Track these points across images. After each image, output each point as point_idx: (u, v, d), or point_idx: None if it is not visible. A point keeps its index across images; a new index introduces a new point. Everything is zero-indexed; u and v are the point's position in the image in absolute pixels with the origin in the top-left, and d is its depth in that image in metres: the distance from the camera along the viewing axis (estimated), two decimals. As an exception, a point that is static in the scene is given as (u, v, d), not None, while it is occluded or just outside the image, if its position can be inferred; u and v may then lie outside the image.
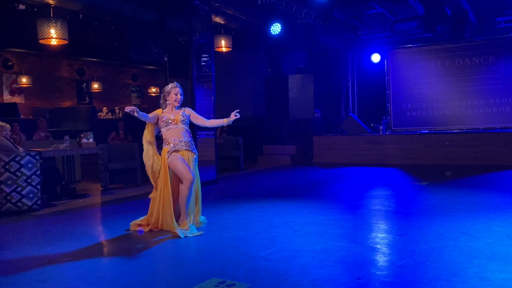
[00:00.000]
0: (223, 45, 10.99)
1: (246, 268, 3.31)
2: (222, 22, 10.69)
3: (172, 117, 4.62)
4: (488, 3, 10.65)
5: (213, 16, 9.43)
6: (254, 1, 9.15)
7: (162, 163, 4.58)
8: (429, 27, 10.45)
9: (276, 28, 10.79)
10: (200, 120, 4.80)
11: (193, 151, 4.67)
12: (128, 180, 8.13)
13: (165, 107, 4.71)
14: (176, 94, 4.65)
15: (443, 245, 3.77)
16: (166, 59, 8.37)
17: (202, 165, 7.85)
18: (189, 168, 4.52)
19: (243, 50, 13.00)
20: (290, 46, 12.43)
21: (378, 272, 3.19)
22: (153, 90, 17.48)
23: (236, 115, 4.57)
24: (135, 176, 8.11)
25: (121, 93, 16.76)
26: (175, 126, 4.60)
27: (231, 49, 11.31)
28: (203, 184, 7.63)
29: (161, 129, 4.66)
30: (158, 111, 4.72)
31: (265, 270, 3.25)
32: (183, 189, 4.47)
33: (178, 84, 4.74)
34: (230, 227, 4.64)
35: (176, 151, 4.56)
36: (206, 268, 3.37)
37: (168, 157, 4.52)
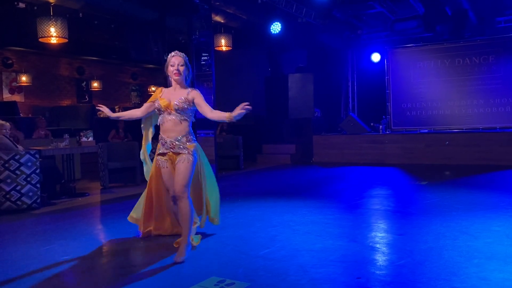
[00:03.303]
0: (223, 44, 10.99)
1: (246, 267, 3.31)
2: (222, 21, 10.68)
3: (166, 102, 3.66)
4: (488, 3, 10.63)
5: (213, 15, 9.42)
6: (254, 0, 9.14)
7: (153, 164, 3.96)
8: (429, 26, 10.45)
9: (276, 27, 10.78)
10: (204, 108, 3.68)
11: (183, 151, 3.66)
12: (127, 179, 8.13)
13: (171, 85, 3.81)
14: (172, 65, 3.71)
15: (442, 244, 3.77)
16: (165, 57, 8.36)
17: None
18: (172, 180, 3.69)
19: (243, 49, 13.00)
20: (290, 45, 12.42)
21: (378, 272, 3.19)
22: (153, 89, 17.43)
23: (245, 109, 3.45)
24: (135, 175, 8.10)
25: (121, 92, 16.76)
26: (168, 116, 3.67)
27: (231, 48, 11.31)
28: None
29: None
30: (157, 92, 3.85)
31: (265, 269, 3.25)
32: (178, 207, 3.72)
33: (179, 53, 3.79)
34: (229, 226, 4.64)
35: (161, 155, 3.77)
36: (206, 267, 3.37)
37: (155, 161, 3.86)
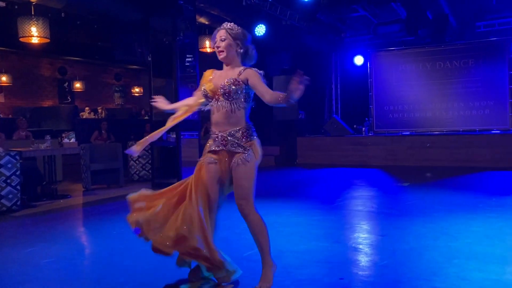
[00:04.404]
0: (208, 45, 10.97)
1: (230, 269, 3.30)
2: (207, 23, 10.65)
3: (212, 85, 2.93)
4: (468, 8, 10.85)
5: (197, 17, 9.39)
6: (239, 2, 9.16)
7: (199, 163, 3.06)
8: (411, 30, 10.60)
9: (260, 30, 10.80)
10: (260, 90, 2.98)
11: (238, 150, 2.90)
12: (110, 180, 8.05)
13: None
14: (214, 42, 2.98)
15: (423, 245, 3.83)
16: (149, 59, 8.31)
17: (184, 165, 7.84)
18: (218, 185, 3.04)
19: (228, 51, 12.98)
20: (275, 47, 12.45)
21: (360, 272, 3.23)
22: (137, 90, 17.32)
23: (301, 82, 2.95)
24: (118, 177, 8.02)
25: (104, 93, 16.58)
26: (216, 103, 2.93)
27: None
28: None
29: None
30: (207, 74, 3.07)
31: (248, 270, 3.26)
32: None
33: (225, 24, 3.08)
34: (213, 228, 4.62)
35: (212, 152, 2.96)
36: (189, 268, 3.35)
37: (201, 159, 3.04)
